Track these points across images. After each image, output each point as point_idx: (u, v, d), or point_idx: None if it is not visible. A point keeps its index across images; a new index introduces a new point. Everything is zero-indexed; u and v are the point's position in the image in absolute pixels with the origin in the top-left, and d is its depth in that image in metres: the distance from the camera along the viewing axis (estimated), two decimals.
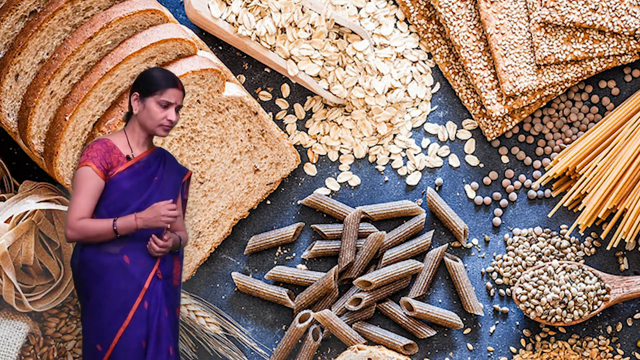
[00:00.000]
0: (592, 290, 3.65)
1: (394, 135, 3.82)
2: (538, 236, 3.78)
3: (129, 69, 3.52)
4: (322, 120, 3.82)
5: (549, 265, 3.68)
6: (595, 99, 3.82)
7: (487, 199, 3.80)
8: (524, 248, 3.77)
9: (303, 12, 3.69)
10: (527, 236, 3.79)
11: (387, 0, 3.84)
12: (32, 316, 3.63)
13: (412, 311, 3.71)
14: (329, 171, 3.82)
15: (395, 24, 3.85)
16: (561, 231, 3.78)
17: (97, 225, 3.31)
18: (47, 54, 3.55)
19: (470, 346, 3.76)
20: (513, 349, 3.76)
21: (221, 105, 3.62)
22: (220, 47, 3.82)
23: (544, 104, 3.79)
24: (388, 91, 3.79)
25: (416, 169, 3.81)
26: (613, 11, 3.67)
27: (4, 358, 3.50)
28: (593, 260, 3.78)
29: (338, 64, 3.73)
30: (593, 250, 3.77)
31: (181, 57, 3.57)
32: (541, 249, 3.76)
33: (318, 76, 3.74)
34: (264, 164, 3.74)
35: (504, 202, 3.80)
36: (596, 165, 3.67)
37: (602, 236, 3.69)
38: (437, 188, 3.81)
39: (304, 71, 3.72)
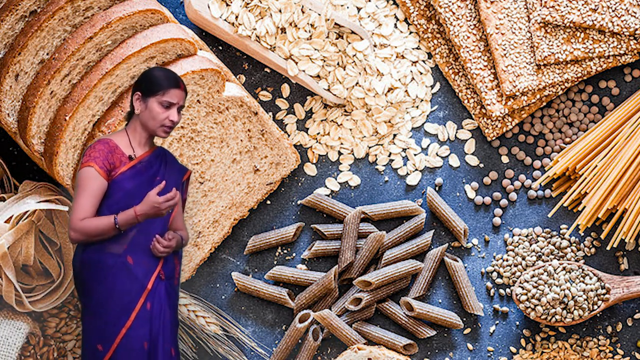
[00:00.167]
0: (592, 290, 3.66)
1: (394, 135, 3.82)
2: (538, 236, 3.78)
3: (129, 69, 3.52)
4: (322, 120, 3.82)
5: (549, 265, 3.68)
6: (595, 99, 3.82)
7: (487, 199, 3.80)
8: (524, 248, 3.77)
9: (303, 12, 3.69)
10: (527, 236, 3.79)
11: (387, 0, 3.84)
12: (32, 316, 3.63)
13: (412, 311, 3.71)
14: (329, 171, 3.82)
15: (395, 24, 3.85)
16: (561, 231, 3.79)
17: (99, 222, 3.31)
18: (47, 54, 3.55)
19: (470, 346, 3.76)
20: (513, 349, 3.76)
21: (221, 105, 3.62)
22: (220, 47, 3.81)
23: (544, 104, 3.79)
24: (388, 91, 3.79)
25: (416, 169, 3.81)
26: (613, 11, 3.67)
27: (4, 358, 3.50)
28: (593, 260, 3.78)
29: (338, 64, 3.73)
30: (593, 250, 3.77)
31: (181, 57, 3.57)
32: (541, 249, 3.76)
33: (318, 76, 3.74)
34: (264, 164, 3.74)
35: (504, 202, 3.80)
36: (596, 165, 3.67)
37: (602, 236, 3.69)
38: (437, 188, 3.81)
39: (304, 71, 3.72)
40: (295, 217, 3.81)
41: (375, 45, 3.80)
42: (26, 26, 3.53)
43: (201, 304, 3.75)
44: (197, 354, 3.76)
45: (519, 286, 3.68)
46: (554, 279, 3.66)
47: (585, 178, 3.68)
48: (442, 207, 3.75)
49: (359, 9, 3.82)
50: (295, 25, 3.69)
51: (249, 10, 3.68)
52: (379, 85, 3.74)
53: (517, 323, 3.77)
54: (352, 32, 3.73)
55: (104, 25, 3.50)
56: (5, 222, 3.51)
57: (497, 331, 3.78)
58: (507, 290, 3.78)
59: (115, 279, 3.34)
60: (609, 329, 3.75)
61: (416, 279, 3.75)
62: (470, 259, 3.79)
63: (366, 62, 3.73)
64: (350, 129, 3.81)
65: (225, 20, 3.68)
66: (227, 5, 3.68)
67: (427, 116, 3.83)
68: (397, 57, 3.83)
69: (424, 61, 3.84)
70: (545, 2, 3.68)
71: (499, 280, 3.78)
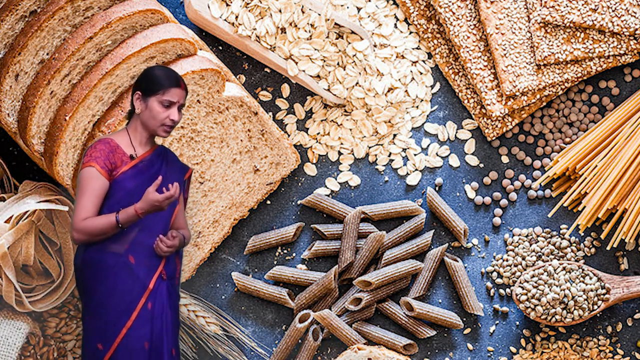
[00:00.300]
0: (592, 290, 3.66)
1: (394, 135, 3.82)
2: (538, 236, 3.78)
3: (129, 69, 3.52)
4: (322, 120, 3.82)
5: (549, 265, 3.68)
6: (595, 99, 3.82)
7: (487, 199, 3.80)
8: (524, 248, 3.77)
9: (303, 12, 3.69)
10: (527, 236, 3.79)
11: (387, 0, 3.84)
12: (32, 316, 3.63)
13: (412, 311, 3.71)
14: (329, 171, 3.82)
15: (395, 24, 3.85)
16: (561, 231, 3.79)
17: (101, 221, 3.30)
18: (47, 54, 3.55)
19: (470, 346, 3.76)
20: (513, 349, 3.76)
21: (221, 105, 3.62)
22: (220, 47, 3.81)
23: (544, 104, 3.79)
24: (388, 91, 3.79)
25: (416, 169, 3.81)
26: (613, 11, 3.67)
27: (4, 358, 3.50)
28: (593, 260, 3.78)
29: (338, 64, 3.73)
30: (593, 250, 3.77)
31: (181, 57, 3.57)
32: (541, 249, 3.76)
33: (318, 76, 3.74)
34: (264, 164, 3.74)
35: (504, 202, 3.80)
36: (596, 165, 3.68)
37: (602, 236, 3.69)
38: (437, 188, 3.81)
39: (304, 71, 3.72)
40: (295, 217, 3.81)
41: (375, 45, 3.80)
42: (26, 26, 3.53)
43: (201, 304, 3.75)
44: (197, 354, 3.76)
45: (519, 286, 3.68)
46: (554, 279, 3.66)
47: (585, 178, 3.68)
48: (442, 207, 3.75)
49: (359, 9, 3.82)
50: (295, 25, 3.69)
51: (249, 10, 3.68)
52: (379, 85, 3.74)
53: (517, 323, 3.77)
54: (352, 32, 3.73)
55: (104, 25, 3.50)
56: (5, 222, 3.51)
57: (497, 331, 3.78)
58: (507, 290, 3.78)
59: (117, 278, 3.34)
60: (609, 329, 3.75)
61: (416, 279, 3.75)
62: (470, 259, 3.79)
63: (366, 62, 3.73)
64: (350, 129, 3.81)
65: (225, 20, 3.68)
66: (227, 5, 3.68)
67: (427, 116, 3.83)
68: (397, 57, 3.83)
69: (424, 61, 3.84)
70: (545, 2, 3.68)
71: (499, 280, 3.78)
